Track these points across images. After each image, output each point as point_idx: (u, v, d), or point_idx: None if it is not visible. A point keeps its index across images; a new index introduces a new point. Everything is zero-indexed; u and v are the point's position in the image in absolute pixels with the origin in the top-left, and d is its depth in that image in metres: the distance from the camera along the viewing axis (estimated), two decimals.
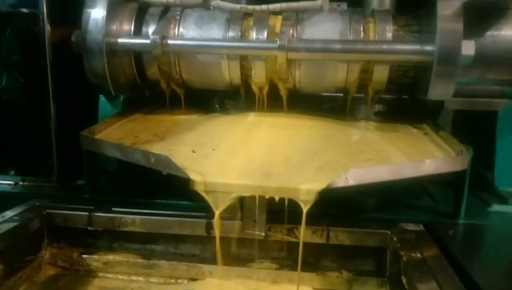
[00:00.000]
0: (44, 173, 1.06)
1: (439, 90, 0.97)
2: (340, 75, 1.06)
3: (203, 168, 0.80)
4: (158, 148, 0.87)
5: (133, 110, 1.17)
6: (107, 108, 1.16)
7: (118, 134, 1.00)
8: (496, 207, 0.98)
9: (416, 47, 0.97)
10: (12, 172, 1.11)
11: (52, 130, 1.05)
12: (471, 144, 0.90)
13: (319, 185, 0.73)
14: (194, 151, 0.86)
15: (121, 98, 1.19)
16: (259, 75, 1.08)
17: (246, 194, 0.76)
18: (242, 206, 0.81)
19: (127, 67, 1.12)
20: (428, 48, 0.95)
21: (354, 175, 0.75)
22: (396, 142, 0.97)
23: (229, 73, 1.09)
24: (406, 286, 0.69)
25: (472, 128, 1.14)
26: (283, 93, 1.13)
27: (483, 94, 1.06)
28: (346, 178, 0.75)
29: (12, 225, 0.83)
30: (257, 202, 0.77)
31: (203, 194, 0.76)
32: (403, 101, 1.24)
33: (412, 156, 0.88)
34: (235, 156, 0.86)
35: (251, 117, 1.12)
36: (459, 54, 0.93)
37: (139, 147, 0.86)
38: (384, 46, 0.99)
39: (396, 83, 1.08)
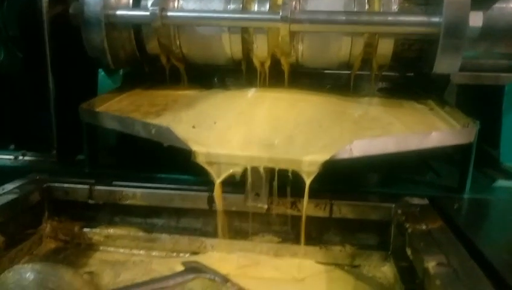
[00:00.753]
0: (44, 148, 1.05)
1: (446, 64, 0.94)
2: (344, 48, 1.04)
3: (205, 140, 0.78)
4: (159, 122, 0.86)
5: (133, 85, 1.15)
6: (106, 82, 1.14)
7: (117, 107, 0.98)
8: (501, 182, 0.96)
9: (423, 19, 0.94)
10: (12, 147, 1.10)
11: (52, 105, 1.03)
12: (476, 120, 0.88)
13: (322, 156, 0.72)
14: (194, 127, 0.84)
15: (120, 73, 1.17)
16: (261, 49, 1.05)
17: (249, 164, 0.74)
18: (245, 179, 0.79)
19: (126, 41, 1.09)
20: (435, 19, 0.93)
21: (359, 146, 0.74)
22: (400, 117, 0.95)
23: (230, 47, 1.07)
24: (411, 257, 0.69)
25: (477, 104, 1.12)
26: (285, 68, 1.11)
27: (489, 68, 1.04)
28: (351, 149, 0.74)
29: (12, 197, 0.82)
30: (260, 173, 0.75)
31: (205, 166, 0.75)
32: (407, 79, 1.22)
33: (417, 129, 0.87)
34: (237, 129, 0.85)
35: (253, 92, 1.10)
36: (467, 25, 0.91)
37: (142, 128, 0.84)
38: (390, 18, 0.96)
39: (401, 57, 1.06)
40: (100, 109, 0.96)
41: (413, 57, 1.06)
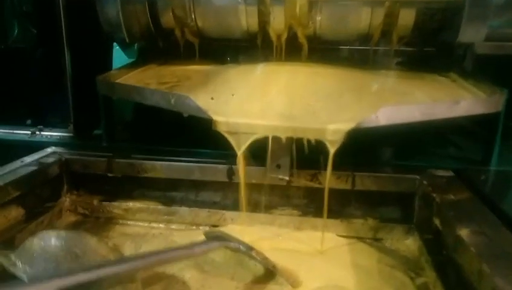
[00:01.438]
0: (61, 123, 1.04)
1: (471, 32, 0.91)
2: (363, 19, 1.01)
3: (224, 110, 0.77)
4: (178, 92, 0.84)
5: (147, 60, 1.13)
6: (121, 57, 1.12)
7: (133, 80, 0.96)
8: None
9: None
10: (28, 122, 1.10)
11: (68, 80, 1.02)
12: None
13: (348, 124, 0.70)
14: (212, 98, 0.82)
15: (135, 48, 1.16)
16: (278, 20, 1.03)
17: (270, 134, 0.72)
18: (265, 150, 0.77)
19: (141, 15, 1.07)
20: None
21: (385, 114, 0.72)
22: (423, 88, 0.92)
23: (246, 19, 1.04)
24: (440, 227, 0.67)
25: (497, 77, 1.09)
26: (303, 41, 1.08)
27: None
28: (377, 117, 0.71)
29: (31, 169, 0.81)
30: (282, 144, 0.74)
31: (226, 135, 0.74)
32: (426, 53, 1.19)
33: (442, 99, 0.84)
34: (256, 100, 0.83)
35: (269, 66, 1.08)
36: None
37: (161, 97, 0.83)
38: None
39: (422, 28, 1.03)
40: (119, 81, 0.94)
41: (434, 28, 1.02)
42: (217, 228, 0.86)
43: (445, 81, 1.01)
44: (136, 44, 1.15)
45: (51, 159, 0.87)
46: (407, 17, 0.99)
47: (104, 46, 1.11)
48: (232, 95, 0.87)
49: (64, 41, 1.02)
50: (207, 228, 0.87)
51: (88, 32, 1.05)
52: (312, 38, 1.08)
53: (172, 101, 0.79)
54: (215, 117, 0.73)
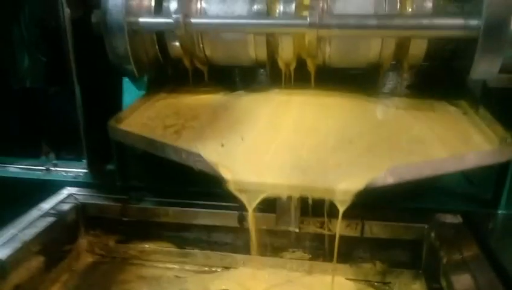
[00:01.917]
0: (74, 159, 1.07)
1: (483, 69, 0.89)
2: (373, 50, 1.00)
3: (235, 163, 0.78)
4: (187, 139, 0.86)
5: (157, 89, 1.14)
6: (131, 89, 1.13)
7: (144, 121, 0.98)
8: None
9: (460, 21, 0.89)
10: (43, 157, 1.12)
11: (79, 115, 1.04)
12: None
13: (356, 185, 0.71)
14: (222, 145, 0.83)
15: (145, 78, 1.16)
16: (286, 52, 1.02)
17: (280, 193, 0.74)
18: (276, 201, 0.79)
19: (149, 46, 1.07)
20: (474, 22, 0.87)
21: (394, 173, 0.72)
22: (434, 126, 0.92)
23: (254, 50, 1.04)
24: (443, 281, 0.69)
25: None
26: (311, 69, 1.08)
27: None
28: (385, 177, 0.72)
29: (50, 219, 0.85)
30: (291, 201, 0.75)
31: (236, 193, 0.75)
32: (437, 71, 1.17)
33: (452, 144, 0.84)
34: (265, 147, 0.84)
35: (278, 96, 1.08)
36: (508, 28, 0.85)
37: (168, 141, 0.84)
38: (425, 22, 0.91)
39: (434, 56, 1.01)
40: (128, 122, 0.96)
41: (446, 58, 1.01)
42: (228, 271, 0.89)
43: (456, 114, 1.00)
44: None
45: (67, 206, 0.90)
46: (418, 48, 0.98)
47: (114, 78, 1.12)
48: (242, 139, 0.88)
49: (75, 78, 1.03)
50: (219, 270, 0.90)
51: (97, 64, 1.05)
52: (321, 67, 1.07)
53: (183, 156, 0.80)
54: (225, 176, 0.75)
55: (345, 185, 0.72)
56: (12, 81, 1.15)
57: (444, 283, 0.70)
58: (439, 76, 1.15)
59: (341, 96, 1.07)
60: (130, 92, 1.12)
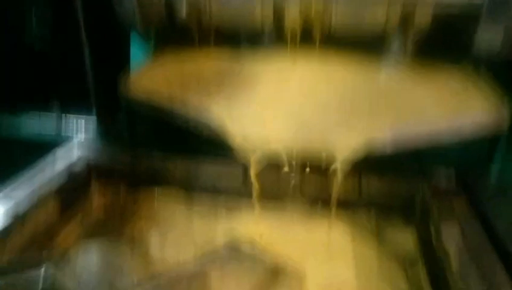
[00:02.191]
0: (84, 109, 1.10)
1: (487, 40, 0.90)
2: (379, 18, 0.99)
3: (243, 126, 0.81)
4: (196, 102, 0.89)
5: (165, 51, 1.15)
6: (139, 48, 1.13)
7: (154, 84, 1.00)
8: None
9: None
10: (54, 109, 1.16)
11: (88, 69, 1.05)
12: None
13: (353, 143, 0.75)
14: (230, 107, 0.86)
15: (151, 38, 1.16)
16: (292, 14, 1.02)
17: (284, 155, 0.78)
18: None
19: (156, 4, 1.07)
20: None
21: (391, 134, 0.76)
22: (434, 91, 0.94)
23: (261, 12, 1.04)
24: (434, 240, 0.74)
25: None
26: (317, 34, 1.08)
27: None
28: (383, 138, 0.76)
29: (63, 166, 0.89)
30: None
31: (240, 148, 0.79)
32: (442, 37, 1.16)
33: (450, 109, 0.86)
34: (271, 108, 0.87)
35: (283, 60, 1.09)
36: None
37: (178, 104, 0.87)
38: None
39: (439, 24, 1.01)
40: (139, 85, 0.98)
41: (451, 29, 1.01)
42: (232, 213, 0.95)
43: (458, 80, 1.00)
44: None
45: (79, 154, 0.94)
46: (423, 17, 0.97)
47: (121, 34, 1.12)
48: (248, 101, 0.90)
49: (83, 33, 1.04)
50: (223, 212, 0.96)
51: (105, 19, 1.06)
52: (326, 34, 1.07)
53: (190, 114, 0.83)
54: (231, 131, 0.79)
55: (344, 143, 0.75)
56: (21, 40, 1.15)
57: (432, 231, 0.76)
58: (445, 41, 1.15)
59: (345, 61, 1.07)
60: (136, 52, 1.13)
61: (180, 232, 0.90)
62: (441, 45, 1.10)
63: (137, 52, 1.09)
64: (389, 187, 0.89)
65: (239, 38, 1.15)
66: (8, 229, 0.73)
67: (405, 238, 0.89)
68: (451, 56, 1.08)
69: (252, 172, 0.83)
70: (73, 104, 1.14)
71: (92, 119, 1.07)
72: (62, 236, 0.87)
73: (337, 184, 0.80)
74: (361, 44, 1.13)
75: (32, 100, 1.20)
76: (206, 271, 0.67)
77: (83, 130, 1.07)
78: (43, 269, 0.64)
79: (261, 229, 0.90)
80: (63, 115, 1.12)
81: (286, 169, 0.85)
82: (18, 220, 0.75)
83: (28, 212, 0.77)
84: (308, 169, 0.88)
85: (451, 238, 0.69)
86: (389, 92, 0.92)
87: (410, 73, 1.00)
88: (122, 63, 1.05)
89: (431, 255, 0.76)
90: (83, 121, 1.09)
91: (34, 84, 1.25)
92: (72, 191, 0.91)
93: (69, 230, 0.89)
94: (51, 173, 0.87)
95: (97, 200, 0.99)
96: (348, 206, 0.91)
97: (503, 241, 0.68)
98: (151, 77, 1.03)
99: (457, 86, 0.97)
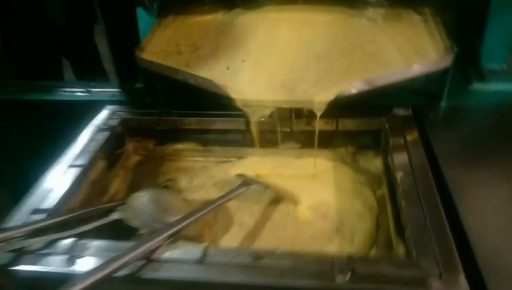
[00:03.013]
0: (107, 81, 1.33)
1: None
2: None
3: (239, 85, 1.04)
4: (200, 65, 1.11)
5: (166, 13, 1.34)
6: (145, 16, 1.32)
7: (161, 47, 1.22)
8: (476, 85, 1.20)
9: None
10: (83, 81, 1.38)
11: (108, 45, 1.27)
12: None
13: (328, 96, 0.98)
14: (228, 68, 1.09)
15: (155, 6, 1.35)
16: None
17: (274, 106, 1.02)
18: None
19: None
20: None
21: (356, 86, 0.99)
22: (396, 36, 1.15)
23: None
24: (390, 164, 1.00)
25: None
26: None
27: None
28: (350, 89, 0.99)
29: (105, 132, 1.14)
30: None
31: (242, 107, 1.03)
32: None
33: (407, 53, 1.08)
34: (261, 68, 1.09)
35: (270, 13, 1.29)
36: None
37: (185, 67, 1.09)
38: None
39: None
40: (149, 51, 1.19)
41: None
42: (241, 159, 1.21)
43: (418, 23, 1.21)
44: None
45: (115, 120, 1.19)
46: None
47: (129, 9, 1.32)
48: (242, 61, 1.13)
49: (98, 12, 1.24)
50: (234, 159, 1.22)
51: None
52: None
53: (199, 81, 1.06)
54: (233, 96, 1.02)
55: (320, 97, 0.99)
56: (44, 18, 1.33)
57: (389, 160, 1.02)
58: None
59: (324, 11, 1.28)
60: (144, 19, 1.33)
61: (203, 177, 1.17)
62: None
63: (143, 24, 1.29)
64: (360, 126, 1.13)
65: None
66: (76, 185, 0.99)
67: (374, 167, 1.15)
68: (412, 5, 1.28)
69: (253, 127, 1.08)
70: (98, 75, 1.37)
71: (115, 87, 1.30)
72: (112, 188, 1.14)
73: (317, 127, 1.05)
74: None
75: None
76: (226, 202, 0.94)
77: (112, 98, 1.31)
78: (116, 213, 0.91)
79: (264, 169, 1.16)
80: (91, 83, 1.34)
81: (277, 121, 1.10)
82: (82, 178, 1.01)
83: (87, 169, 1.03)
84: (294, 119, 1.12)
85: (400, 165, 0.94)
86: (361, 42, 1.13)
87: (379, 19, 1.20)
88: (133, 36, 1.25)
89: (389, 179, 1.02)
90: (109, 93, 1.33)
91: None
92: (114, 150, 1.17)
93: (116, 182, 1.16)
94: (100, 137, 1.12)
95: (133, 157, 1.25)
96: (328, 145, 1.17)
97: (437, 160, 0.94)
98: (157, 42, 1.25)
99: (413, 32, 1.18)
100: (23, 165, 1.23)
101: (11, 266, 0.78)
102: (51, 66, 1.98)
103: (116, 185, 1.16)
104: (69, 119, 1.20)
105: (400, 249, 0.87)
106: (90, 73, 1.97)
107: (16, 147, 1.43)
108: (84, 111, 1.23)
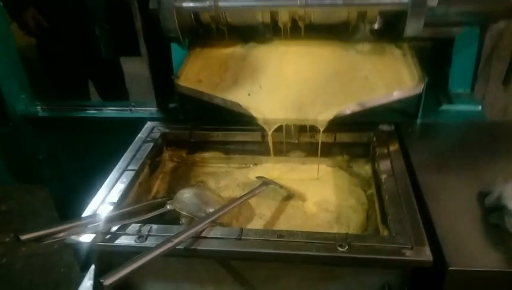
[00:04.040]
0: (148, 102, 1.62)
1: (412, 30, 1.39)
2: (343, 14, 1.47)
3: (259, 106, 1.33)
4: (227, 90, 1.40)
5: (194, 45, 1.63)
6: (178, 49, 1.61)
7: (194, 75, 1.50)
8: (445, 106, 1.51)
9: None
10: (128, 102, 1.67)
11: (150, 74, 1.56)
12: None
13: (328, 116, 1.28)
14: (249, 95, 1.38)
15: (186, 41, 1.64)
16: (283, 16, 1.50)
17: (286, 123, 1.31)
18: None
19: (188, 18, 1.54)
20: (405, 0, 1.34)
21: (350, 107, 1.29)
22: (379, 67, 1.44)
23: (262, 16, 1.51)
24: (377, 169, 1.29)
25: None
26: (301, 25, 1.56)
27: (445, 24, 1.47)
28: (346, 110, 1.28)
29: (149, 144, 1.42)
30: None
31: (262, 124, 1.32)
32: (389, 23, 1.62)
33: (388, 81, 1.38)
34: (274, 94, 1.38)
35: (279, 46, 1.59)
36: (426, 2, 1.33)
37: (217, 93, 1.38)
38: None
39: (384, 18, 1.50)
40: (185, 77, 1.48)
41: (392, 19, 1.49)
42: (256, 166, 1.50)
43: (398, 56, 1.51)
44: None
45: (156, 134, 1.47)
46: (372, 13, 1.46)
47: (165, 44, 1.60)
48: (260, 87, 1.42)
49: (142, 46, 1.52)
50: (251, 165, 1.51)
51: (155, 37, 1.54)
52: (308, 25, 1.55)
53: (228, 104, 1.35)
54: (255, 115, 1.31)
55: (322, 116, 1.28)
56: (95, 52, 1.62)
57: (376, 166, 1.31)
58: (387, 29, 1.61)
59: (322, 45, 1.58)
60: (177, 51, 1.62)
61: (227, 180, 1.45)
62: (385, 31, 1.59)
63: (177, 54, 1.58)
64: (353, 139, 1.43)
65: (246, 34, 1.63)
66: (130, 185, 1.26)
67: (364, 171, 1.44)
68: (392, 38, 1.58)
69: (269, 139, 1.37)
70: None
71: (153, 106, 1.59)
72: (154, 188, 1.42)
73: (320, 140, 1.34)
74: (334, 31, 1.60)
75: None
76: (249, 199, 1.23)
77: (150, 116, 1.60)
78: (169, 205, 1.19)
79: (276, 173, 1.45)
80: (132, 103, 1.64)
81: (289, 134, 1.39)
82: (135, 179, 1.28)
83: (137, 173, 1.31)
84: (300, 133, 1.42)
85: (384, 170, 1.23)
86: (352, 70, 1.43)
87: (366, 51, 1.50)
88: (168, 66, 1.53)
89: (376, 181, 1.32)
90: (148, 111, 1.61)
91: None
92: (155, 158, 1.45)
93: (157, 184, 1.44)
94: (145, 147, 1.40)
95: (169, 164, 1.53)
96: (328, 153, 1.46)
97: (413, 168, 1.23)
98: (189, 71, 1.54)
99: (394, 62, 1.48)
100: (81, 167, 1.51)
101: (98, 242, 1.05)
102: (80, 86, 2.27)
103: (157, 185, 1.43)
104: (116, 132, 1.48)
105: (385, 233, 1.15)
106: (113, 92, 2.27)
107: (74, 155, 1.72)
108: (128, 126, 1.50)
